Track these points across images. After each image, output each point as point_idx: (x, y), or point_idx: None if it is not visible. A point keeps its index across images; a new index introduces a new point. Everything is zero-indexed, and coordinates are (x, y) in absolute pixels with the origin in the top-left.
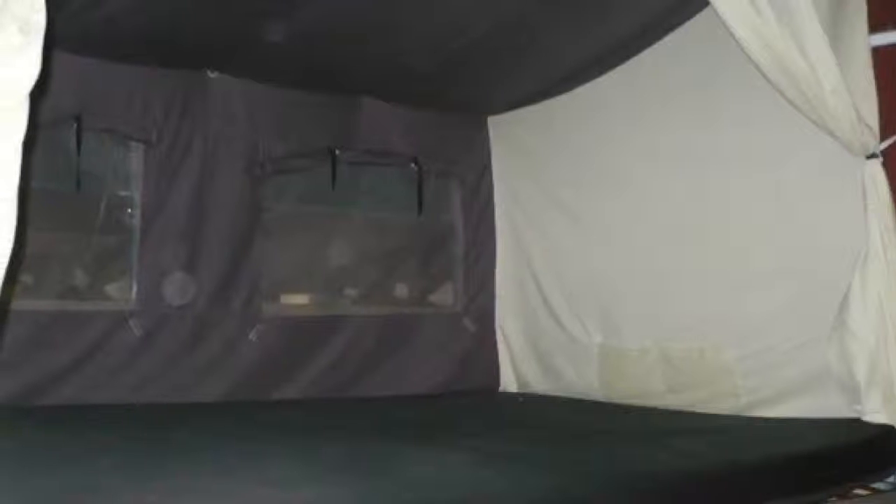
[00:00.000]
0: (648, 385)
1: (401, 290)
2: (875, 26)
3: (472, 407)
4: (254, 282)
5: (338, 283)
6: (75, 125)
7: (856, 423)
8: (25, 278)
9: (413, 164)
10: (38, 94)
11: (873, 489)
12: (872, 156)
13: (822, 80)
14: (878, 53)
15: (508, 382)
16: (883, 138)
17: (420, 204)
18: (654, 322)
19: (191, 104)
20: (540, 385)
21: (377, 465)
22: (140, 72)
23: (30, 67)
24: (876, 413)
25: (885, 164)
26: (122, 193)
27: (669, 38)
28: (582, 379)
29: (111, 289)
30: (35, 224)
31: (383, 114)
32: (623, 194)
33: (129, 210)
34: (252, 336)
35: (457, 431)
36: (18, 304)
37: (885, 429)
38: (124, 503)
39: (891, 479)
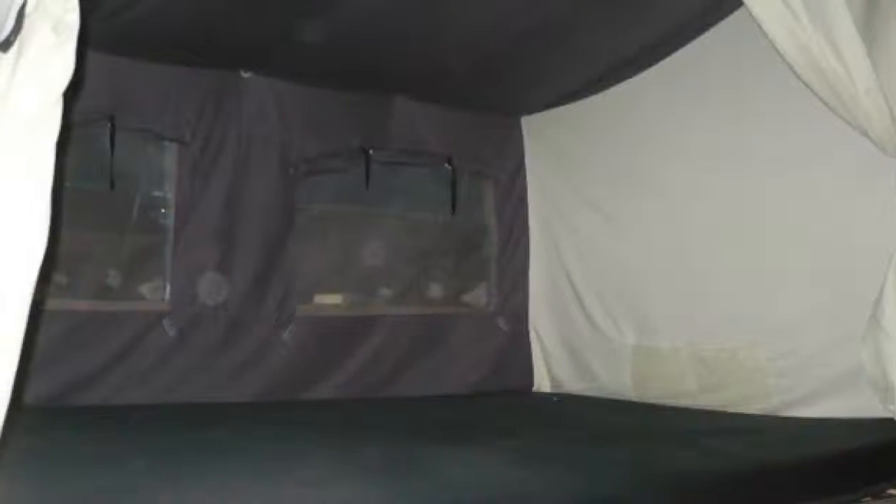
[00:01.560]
0: (681, 385)
1: (434, 290)
2: None
3: (505, 407)
4: (287, 282)
5: (371, 283)
6: (109, 125)
7: (889, 423)
8: (59, 278)
9: (447, 164)
10: (72, 94)
11: None
12: None
13: (855, 81)
14: None
15: (542, 382)
16: None
17: (454, 204)
18: (688, 322)
19: (224, 104)
20: (573, 385)
21: (411, 466)
22: (174, 72)
23: (64, 67)
24: None
25: None
26: (156, 193)
27: (703, 38)
28: (615, 379)
29: (145, 289)
30: (69, 224)
31: (417, 114)
32: (657, 194)
33: (163, 210)
34: (286, 336)
35: (491, 431)
36: (53, 303)
37: None
38: (159, 503)
39: None
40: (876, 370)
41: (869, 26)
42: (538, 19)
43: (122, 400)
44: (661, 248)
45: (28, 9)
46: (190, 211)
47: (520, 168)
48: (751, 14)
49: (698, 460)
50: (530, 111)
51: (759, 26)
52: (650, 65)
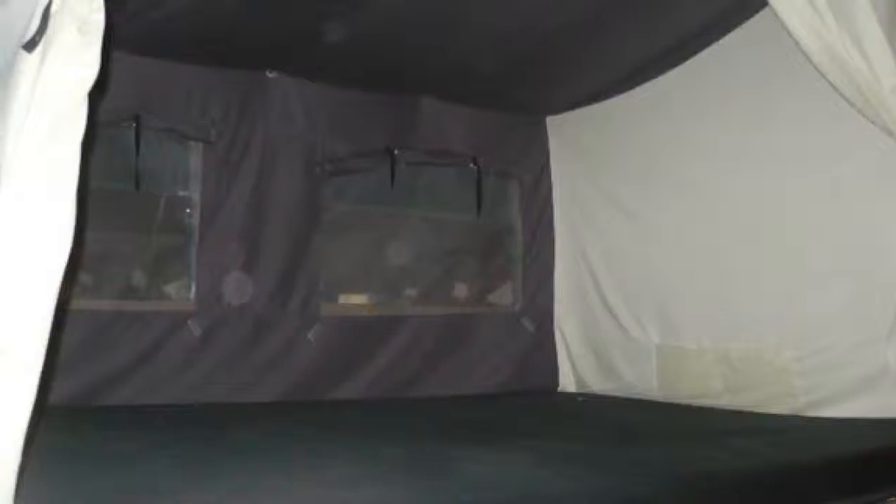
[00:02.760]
0: (707, 385)
1: (460, 290)
2: None
3: (530, 407)
4: (312, 281)
5: (397, 283)
6: (134, 125)
7: None
8: (85, 278)
9: (472, 164)
10: (98, 94)
11: None
12: None
13: (881, 79)
14: None
15: (567, 382)
16: None
17: (479, 204)
18: (713, 322)
19: (250, 104)
20: (598, 385)
21: (436, 466)
22: (199, 71)
23: (89, 67)
24: None
25: None
26: (181, 193)
27: (728, 38)
28: (640, 379)
29: (170, 289)
30: (94, 224)
31: (442, 114)
32: (682, 194)
33: (188, 210)
34: (310, 336)
35: (516, 432)
36: (78, 303)
37: None
38: (183, 503)
39: None
40: None
41: (894, 24)
42: (563, 19)
43: (148, 400)
44: (687, 248)
45: (53, 9)
46: (215, 211)
47: (545, 168)
48: (775, 13)
49: (724, 461)
50: (555, 111)
51: (784, 25)
52: (675, 65)
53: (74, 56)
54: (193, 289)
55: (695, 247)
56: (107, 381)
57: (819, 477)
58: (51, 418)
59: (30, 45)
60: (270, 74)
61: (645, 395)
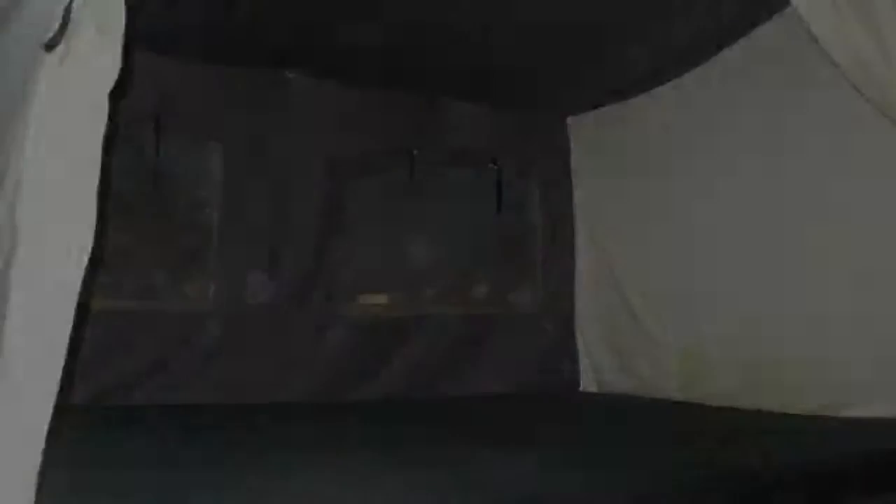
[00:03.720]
0: (728, 385)
1: (480, 290)
2: None
3: (551, 407)
4: (332, 281)
5: (416, 283)
6: (154, 125)
7: None
8: (104, 278)
9: (493, 164)
10: (118, 94)
11: None
12: None
13: None
14: None
15: (588, 383)
16: None
17: (499, 204)
18: (734, 322)
19: (269, 104)
20: (619, 385)
21: (455, 466)
22: (219, 72)
23: (110, 67)
24: None
25: None
26: (201, 193)
27: (752, 36)
28: (662, 379)
29: (189, 288)
30: (114, 223)
31: (462, 113)
32: (704, 195)
33: (207, 209)
34: (330, 336)
35: (536, 432)
36: (96, 303)
37: None
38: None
39: None
40: None
41: None
42: (584, 18)
43: (166, 400)
44: (708, 249)
45: (73, 8)
46: (234, 210)
47: (566, 168)
48: (798, 14)
49: (746, 461)
50: (576, 111)
51: (807, 26)
52: (697, 64)
53: (95, 56)
54: (213, 289)
55: (717, 247)
56: (126, 381)
57: (842, 476)
58: (70, 418)
59: (50, 45)
60: (290, 75)
61: (665, 395)
